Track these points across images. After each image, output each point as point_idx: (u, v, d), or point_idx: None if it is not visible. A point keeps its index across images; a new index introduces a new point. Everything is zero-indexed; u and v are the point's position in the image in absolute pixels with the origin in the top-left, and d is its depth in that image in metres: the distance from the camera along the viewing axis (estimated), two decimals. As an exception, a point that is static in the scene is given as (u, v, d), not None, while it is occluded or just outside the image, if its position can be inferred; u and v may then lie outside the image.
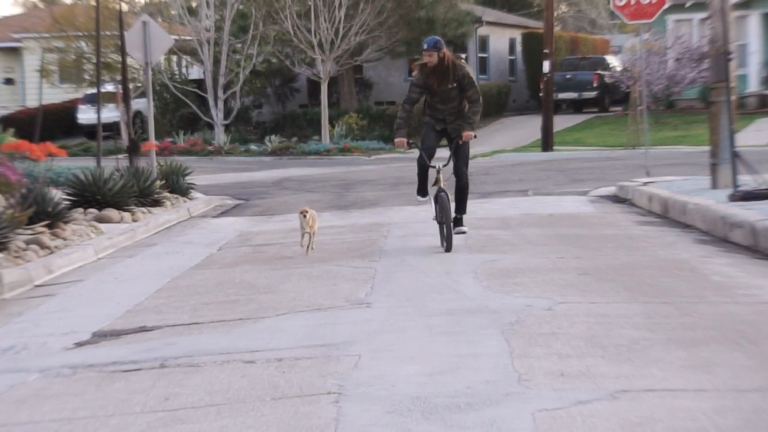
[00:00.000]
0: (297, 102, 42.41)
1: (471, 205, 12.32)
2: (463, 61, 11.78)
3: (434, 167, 11.43)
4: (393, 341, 7.03)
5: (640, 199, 15.41)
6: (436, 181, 11.41)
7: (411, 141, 11.75)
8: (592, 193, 17.53)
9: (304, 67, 36.82)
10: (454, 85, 11.44)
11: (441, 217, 11.31)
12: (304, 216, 11.57)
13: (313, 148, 33.89)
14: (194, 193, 19.49)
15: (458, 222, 11.65)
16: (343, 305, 8.46)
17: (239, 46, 36.99)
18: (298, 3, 35.31)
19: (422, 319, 7.70)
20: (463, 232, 11.71)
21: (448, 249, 11.12)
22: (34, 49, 38.66)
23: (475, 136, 11.51)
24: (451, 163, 11.60)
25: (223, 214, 17.73)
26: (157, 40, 18.73)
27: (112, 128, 35.00)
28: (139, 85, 34.51)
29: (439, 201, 11.30)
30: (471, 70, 11.78)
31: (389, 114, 35.49)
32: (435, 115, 11.65)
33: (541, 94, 33.60)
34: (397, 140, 11.64)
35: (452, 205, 11.43)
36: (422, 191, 12.05)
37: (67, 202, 15.02)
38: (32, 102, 41.51)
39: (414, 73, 11.95)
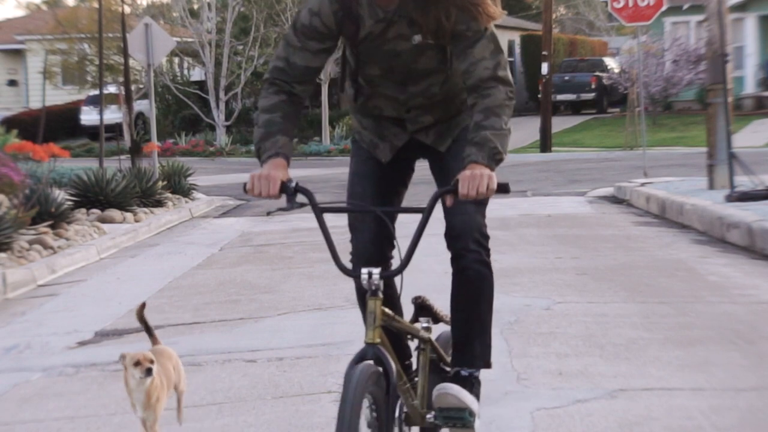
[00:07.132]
0: (297, 103, 42.40)
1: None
2: None
3: (363, 277, 3.87)
4: (393, 341, 7.06)
5: (638, 200, 15.45)
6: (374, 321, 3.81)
7: (295, 184, 3.97)
8: (590, 194, 17.56)
9: (304, 69, 36.84)
10: (429, 40, 3.96)
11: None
12: (144, 374, 4.62)
13: (313, 149, 33.94)
14: (196, 194, 19.53)
15: (462, 381, 4.27)
16: (344, 305, 8.50)
17: (240, 48, 37.03)
18: (299, 5, 35.36)
19: (422, 319, 7.75)
20: None
21: None
22: (38, 51, 38.71)
23: (506, 190, 3.85)
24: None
25: (225, 214, 17.76)
26: (159, 42, 18.79)
27: (114, 129, 35.02)
28: (142, 86, 34.58)
29: (356, 379, 3.56)
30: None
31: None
32: (380, 111, 4.31)
33: (539, 96, 33.65)
34: (259, 175, 3.87)
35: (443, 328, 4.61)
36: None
37: (70, 203, 15.04)
38: (35, 103, 41.60)
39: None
